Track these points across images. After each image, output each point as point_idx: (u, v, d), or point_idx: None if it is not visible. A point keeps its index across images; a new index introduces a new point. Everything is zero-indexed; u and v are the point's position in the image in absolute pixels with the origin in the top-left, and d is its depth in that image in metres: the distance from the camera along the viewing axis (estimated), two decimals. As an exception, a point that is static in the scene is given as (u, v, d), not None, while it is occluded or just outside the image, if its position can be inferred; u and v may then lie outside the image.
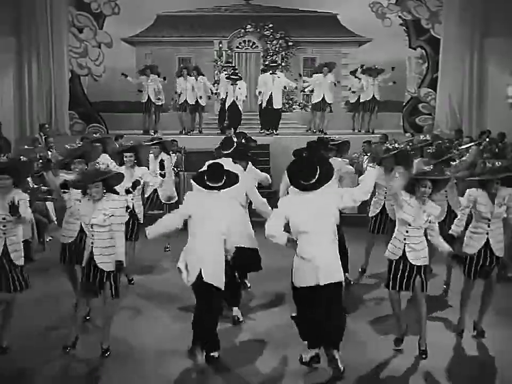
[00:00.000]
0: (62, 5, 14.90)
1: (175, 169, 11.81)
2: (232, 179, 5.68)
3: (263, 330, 6.50)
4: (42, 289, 6.89)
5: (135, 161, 7.87)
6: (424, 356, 5.79)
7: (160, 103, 14.30)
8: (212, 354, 5.67)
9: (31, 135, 13.74)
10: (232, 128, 12.35)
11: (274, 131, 14.04)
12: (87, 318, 6.48)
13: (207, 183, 5.55)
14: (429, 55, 15.74)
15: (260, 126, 14.22)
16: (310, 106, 14.76)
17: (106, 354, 5.82)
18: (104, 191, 5.71)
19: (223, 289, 5.57)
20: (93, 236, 5.72)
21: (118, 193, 5.88)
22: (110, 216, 5.62)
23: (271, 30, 15.71)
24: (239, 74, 14.26)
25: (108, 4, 15.53)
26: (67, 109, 15.22)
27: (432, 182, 5.71)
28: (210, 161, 6.06)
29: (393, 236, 5.92)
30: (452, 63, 14.99)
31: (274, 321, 6.72)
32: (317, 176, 5.26)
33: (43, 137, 12.73)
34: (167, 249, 9.63)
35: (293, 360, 5.68)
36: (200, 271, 5.45)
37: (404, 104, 15.82)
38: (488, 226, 6.05)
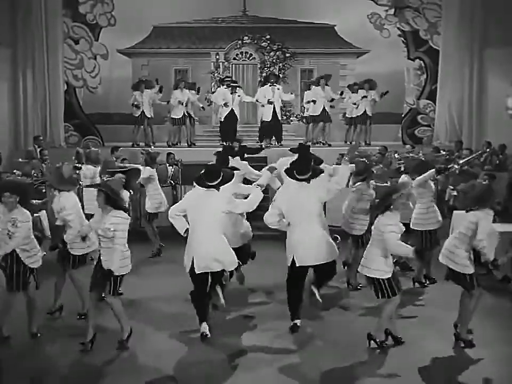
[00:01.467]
0: (57, 15, 14.80)
1: (172, 182, 11.80)
2: (227, 177, 6.51)
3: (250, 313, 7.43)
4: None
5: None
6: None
7: (151, 116, 14.13)
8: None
9: (25, 148, 13.58)
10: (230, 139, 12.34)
11: (277, 142, 13.98)
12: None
13: (206, 182, 6.36)
14: (427, 66, 15.65)
15: (259, 138, 14.10)
16: (309, 118, 14.49)
17: (123, 346, 6.28)
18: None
19: (227, 269, 6.51)
20: (100, 244, 6.31)
21: (124, 210, 6.33)
22: (113, 230, 6.05)
23: (268, 42, 15.67)
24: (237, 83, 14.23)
25: (104, 15, 15.47)
26: (62, 121, 15.11)
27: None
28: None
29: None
30: (451, 74, 14.89)
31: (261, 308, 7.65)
32: (310, 172, 6.49)
33: (38, 149, 12.57)
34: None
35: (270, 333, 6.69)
36: (193, 262, 6.34)
37: (403, 115, 15.72)
38: None
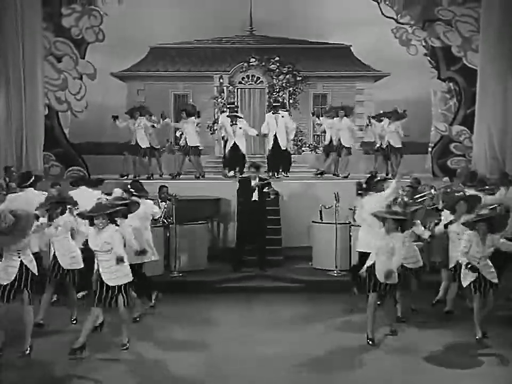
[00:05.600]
0: (37, 29, 13.91)
1: (165, 221, 10.40)
2: None
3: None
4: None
5: None
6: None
7: (147, 146, 13.22)
8: None
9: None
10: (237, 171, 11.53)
11: (284, 173, 13.14)
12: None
13: None
14: (461, 87, 14.73)
15: (267, 170, 13.18)
16: (323, 149, 13.89)
17: (123, 348, 7.11)
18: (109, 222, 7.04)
19: None
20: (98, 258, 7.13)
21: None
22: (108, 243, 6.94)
23: (278, 64, 15.17)
24: (238, 113, 13.45)
25: (91, 30, 14.70)
26: (41, 150, 14.10)
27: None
28: None
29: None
30: (491, 95, 13.84)
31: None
32: None
33: (8, 182, 11.43)
34: None
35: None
36: None
37: (432, 144, 14.80)
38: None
